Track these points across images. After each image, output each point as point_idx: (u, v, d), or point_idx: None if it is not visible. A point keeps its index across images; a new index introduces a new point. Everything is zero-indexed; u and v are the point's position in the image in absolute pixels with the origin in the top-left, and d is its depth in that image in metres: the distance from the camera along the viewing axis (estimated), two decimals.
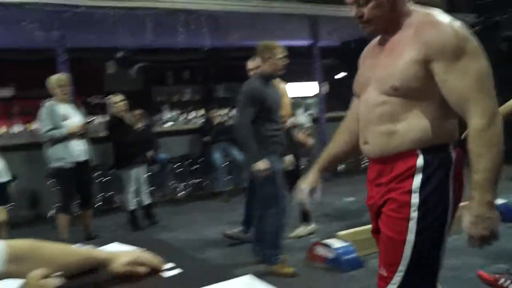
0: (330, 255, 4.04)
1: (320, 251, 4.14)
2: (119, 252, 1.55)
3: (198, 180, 8.07)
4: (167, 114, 9.10)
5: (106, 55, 7.96)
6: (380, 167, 1.82)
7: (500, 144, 1.60)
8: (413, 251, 1.71)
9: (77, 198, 5.11)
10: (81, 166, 4.89)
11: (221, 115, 8.38)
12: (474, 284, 3.40)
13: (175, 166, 7.82)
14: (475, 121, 1.60)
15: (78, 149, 4.85)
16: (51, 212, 6.63)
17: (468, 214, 1.63)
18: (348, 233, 4.25)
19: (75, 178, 4.86)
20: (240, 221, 5.03)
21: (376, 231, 1.92)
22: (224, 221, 5.97)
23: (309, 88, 9.93)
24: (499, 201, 5.21)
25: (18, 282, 1.48)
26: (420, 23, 1.69)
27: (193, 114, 9.35)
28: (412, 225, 1.70)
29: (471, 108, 1.60)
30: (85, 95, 8.28)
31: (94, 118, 6.29)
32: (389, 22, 1.76)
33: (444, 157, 1.73)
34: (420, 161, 1.71)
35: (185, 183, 7.91)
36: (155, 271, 1.55)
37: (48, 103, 4.80)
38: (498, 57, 6.97)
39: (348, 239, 4.10)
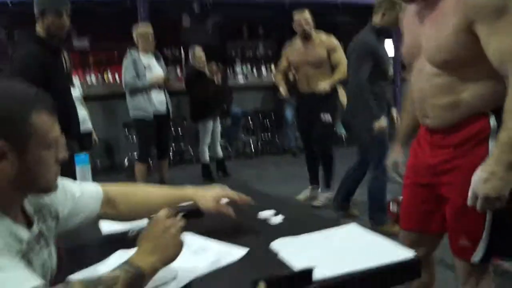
0: None
1: (395, 208, 4.09)
2: (207, 190, 1.58)
3: (269, 135, 8.12)
4: (240, 69, 9.11)
5: (183, 7, 7.99)
6: (444, 132, 1.72)
7: None
8: (495, 217, 1.64)
9: (155, 148, 5.23)
10: (161, 117, 4.97)
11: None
12: None
13: (247, 120, 7.88)
14: None
15: (159, 100, 4.92)
16: (127, 161, 6.89)
17: (481, 170, 1.52)
18: None
19: (155, 128, 4.96)
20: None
21: (420, 184, 1.85)
22: (296, 176, 5.99)
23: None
24: None
25: (117, 223, 1.56)
26: None
27: (265, 70, 9.32)
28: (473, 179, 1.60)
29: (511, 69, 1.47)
30: (160, 47, 8.39)
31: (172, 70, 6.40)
32: None
33: None
34: (493, 122, 1.61)
35: (256, 137, 7.98)
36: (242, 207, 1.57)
37: (131, 53, 4.88)
38: None
39: None
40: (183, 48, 8.38)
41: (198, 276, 1.20)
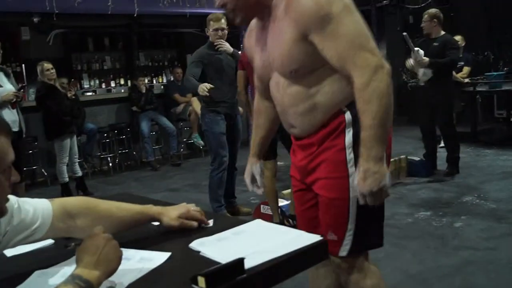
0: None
1: (267, 209, 4.31)
2: (170, 207, 1.60)
3: (125, 150, 7.92)
4: (88, 83, 8.78)
5: (23, 19, 7.43)
6: (309, 136, 1.81)
7: (383, 99, 1.56)
8: (358, 207, 1.71)
9: None
10: (14, 138, 4.62)
11: (146, 83, 8.25)
12: (409, 228, 4.00)
13: (102, 136, 7.60)
14: (356, 80, 1.57)
15: (11, 120, 4.57)
16: None
17: (357, 171, 1.63)
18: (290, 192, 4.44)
19: None
20: (175, 188, 5.60)
21: (303, 189, 1.95)
22: (161, 188, 6.00)
23: None
24: (415, 158, 5.63)
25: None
26: (286, 0, 1.66)
27: (114, 83, 9.07)
28: (352, 182, 1.68)
29: (350, 69, 1.58)
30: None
31: (24, 86, 5.92)
32: (255, 7, 1.74)
33: None
34: (348, 116, 1.70)
35: (113, 153, 7.73)
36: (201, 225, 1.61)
37: None
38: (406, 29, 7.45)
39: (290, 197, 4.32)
40: (23, 63, 7.78)
41: (126, 285, 1.19)
